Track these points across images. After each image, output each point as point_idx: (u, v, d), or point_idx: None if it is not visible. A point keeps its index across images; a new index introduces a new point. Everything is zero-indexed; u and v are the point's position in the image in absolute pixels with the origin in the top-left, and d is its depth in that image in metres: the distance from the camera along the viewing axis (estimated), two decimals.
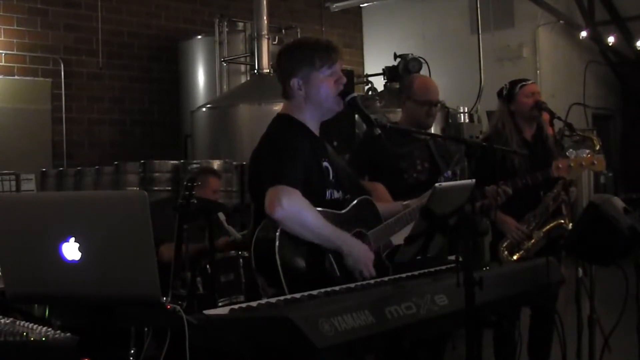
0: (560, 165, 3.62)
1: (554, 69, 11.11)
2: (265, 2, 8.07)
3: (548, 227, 3.92)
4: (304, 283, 2.40)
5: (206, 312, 2.00)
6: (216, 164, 6.14)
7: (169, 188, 6.25)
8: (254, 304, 2.09)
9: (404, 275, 2.55)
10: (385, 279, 2.49)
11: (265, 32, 8.08)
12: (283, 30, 9.69)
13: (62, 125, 8.79)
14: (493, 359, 3.97)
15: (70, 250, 2.01)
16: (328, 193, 2.68)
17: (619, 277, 3.08)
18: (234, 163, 6.41)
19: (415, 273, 2.59)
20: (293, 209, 2.43)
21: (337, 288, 2.30)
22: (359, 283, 2.42)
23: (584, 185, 9.82)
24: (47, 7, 8.78)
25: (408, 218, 2.79)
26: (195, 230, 4.34)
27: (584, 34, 11.13)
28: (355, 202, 2.74)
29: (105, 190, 6.02)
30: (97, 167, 7.04)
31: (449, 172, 3.70)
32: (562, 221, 3.92)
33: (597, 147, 3.85)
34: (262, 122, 2.86)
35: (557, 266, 2.91)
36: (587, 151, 3.86)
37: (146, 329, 3.44)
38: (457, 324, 2.32)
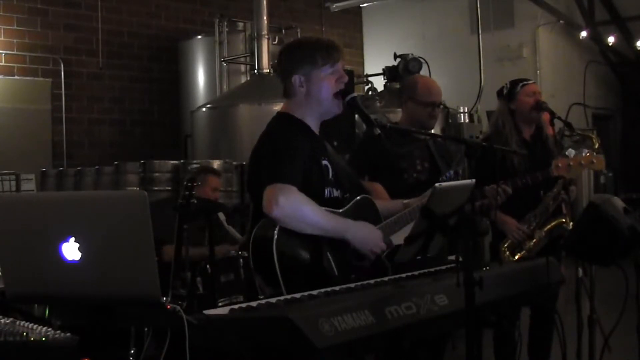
0: (559, 165, 3.62)
1: (554, 69, 11.11)
2: (265, 2, 8.07)
3: (549, 226, 3.92)
4: (302, 282, 2.40)
5: (206, 312, 2.00)
6: (216, 164, 6.13)
7: (169, 188, 6.25)
8: (254, 304, 2.09)
9: (404, 275, 2.55)
10: (385, 279, 2.49)
11: (265, 32, 8.08)
12: (283, 30, 9.69)
13: (62, 125, 8.79)
14: (493, 359, 3.97)
15: (70, 250, 2.01)
16: (327, 191, 2.68)
17: (619, 277, 3.08)
18: (234, 163, 6.41)
19: (415, 273, 2.58)
20: (291, 205, 2.43)
21: (337, 288, 2.30)
22: (358, 283, 2.42)
23: (584, 185, 9.82)
24: (47, 7, 8.78)
25: (408, 218, 2.79)
26: (195, 230, 4.35)
27: (584, 34, 11.13)
28: (354, 200, 2.75)
29: (105, 190, 6.02)
30: (97, 167, 7.04)
31: (452, 172, 3.70)
32: (563, 220, 3.92)
33: (597, 147, 3.86)
34: (262, 122, 2.85)
35: (557, 266, 2.91)
36: (586, 150, 3.87)
37: (146, 329, 3.44)
38: (457, 324, 2.32)
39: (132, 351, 3.51)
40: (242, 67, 9.03)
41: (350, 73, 6.42)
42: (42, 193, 6.06)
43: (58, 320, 2.86)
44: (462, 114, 8.34)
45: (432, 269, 2.62)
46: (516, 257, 3.90)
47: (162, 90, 9.74)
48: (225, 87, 8.91)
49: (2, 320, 2.01)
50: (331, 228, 2.52)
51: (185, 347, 1.92)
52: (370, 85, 8.71)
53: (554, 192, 3.92)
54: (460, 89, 9.13)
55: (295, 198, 2.46)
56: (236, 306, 2.06)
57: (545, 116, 4.03)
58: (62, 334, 1.92)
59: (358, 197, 2.77)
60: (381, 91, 8.21)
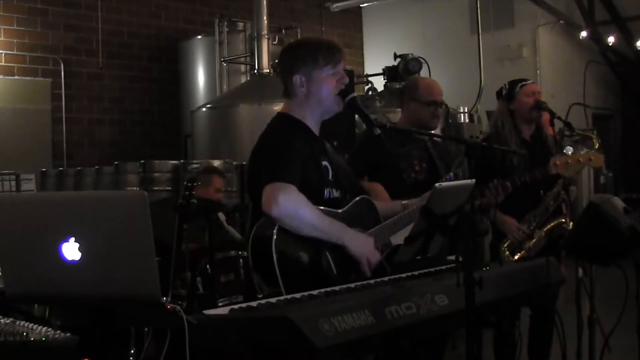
0: (557, 162, 3.62)
1: (554, 69, 11.11)
2: (265, 2, 8.07)
3: (549, 226, 3.92)
4: (301, 281, 2.40)
5: (206, 312, 2.00)
6: (216, 164, 6.13)
7: (169, 188, 6.25)
8: (254, 304, 2.09)
9: (404, 275, 2.55)
10: (385, 279, 2.49)
11: (265, 32, 8.08)
12: (283, 30, 9.69)
13: (62, 125, 8.79)
14: (493, 359, 3.97)
15: (70, 250, 2.01)
16: (327, 192, 2.68)
17: (619, 277, 3.08)
18: (234, 163, 6.41)
19: (415, 273, 2.58)
20: (290, 205, 2.44)
21: (337, 288, 2.30)
22: (358, 283, 2.42)
23: (584, 185, 9.83)
24: (47, 7, 8.78)
25: (407, 219, 2.79)
26: (195, 230, 4.34)
27: (584, 34, 11.12)
28: (354, 201, 2.75)
29: (105, 190, 6.02)
30: (97, 167, 7.03)
31: (451, 174, 3.70)
32: (563, 220, 3.92)
33: (597, 146, 3.85)
34: (262, 122, 2.85)
35: (557, 266, 2.91)
36: (585, 149, 3.87)
37: (146, 329, 3.44)
38: (457, 324, 2.32)
39: (132, 351, 3.50)
40: (242, 67, 9.03)
41: (350, 73, 6.43)
42: (42, 193, 6.06)
43: (58, 320, 2.87)
44: (462, 114, 8.34)
45: (432, 269, 2.62)
46: (516, 257, 3.90)
47: (162, 90, 9.74)
48: (225, 87, 8.91)
49: (2, 320, 2.01)
50: (329, 232, 2.52)
51: (185, 347, 1.92)
52: (370, 85, 8.71)
53: (554, 192, 3.92)
54: (460, 89, 9.13)
55: (295, 198, 2.46)
56: (236, 306, 2.07)
57: (545, 116, 4.03)
58: (62, 334, 1.92)
59: (357, 198, 2.77)
60: (381, 91, 8.22)
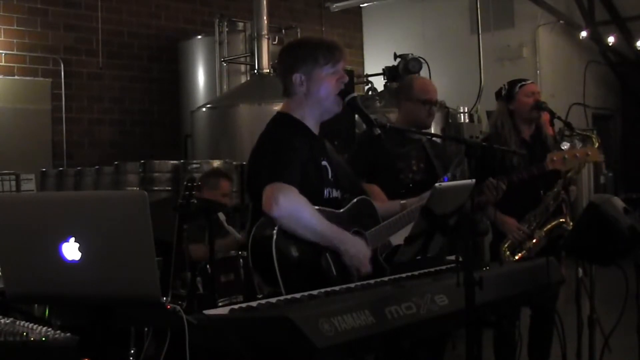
0: (554, 158, 3.63)
1: (554, 69, 11.11)
2: (265, 2, 8.07)
3: (549, 226, 3.92)
4: (301, 281, 2.40)
5: (206, 312, 2.00)
6: (216, 164, 6.13)
7: (169, 188, 6.24)
8: (254, 304, 2.09)
9: (404, 275, 2.55)
10: (385, 279, 2.49)
11: (265, 32, 8.08)
12: (283, 30, 9.69)
13: (62, 125, 8.79)
14: (493, 359, 3.97)
15: (70, 250, 2.01)
16: (326, 192, 2.68)
17: (619, 277, 3.08)
18: (234, 163, 6.41)
19: (415, 273, 2.58)
20: (290, 206, 2.43)
21: (337, 288, 2.30)
22: (358, 283, 2.42)
23: (584, 185, 9.83)
24: (47, 7, 8.78)
25: (407, 219, 2.79)
26: (195, 230, 4.34)
27: (584, 34, 11.12)
28: (353, 201, 2.75)
29: (105, 190, 6.02)
30: (97, 167, 7.03)
31: (449, 175, 3.70)
32: (563, 220, 3.92)
33: (597, 146, 3.85)
34: (262, 122, 2.85)
35: (557, 266, 2.91)
36: (581, 144, 3.88)
37: (146, 329, 3.44)
38: (457, 324, 2.33)
39: (132, 351, 3.50)
40: (242, 67, 9.03)
41: (350, 73, 6.43)
42: (42, 193, 6.06)
43: (58, 320, 2.86)
44: (462, 114, 8.34)
45: (432, 269, 2.62)
46: (516, 257, 3.90)
47: (162, 90, 9.74)
48: (225, 87, 8.91)
49: (2, 320, 2.01)
50: (327, 235, 2.51)
51: (185, 347, 1.92)
52: (370, 85, 8.71)
53: (554, 192, 3.92)
54: (460, 89, 9.14)
55: (295, 199, 2.46)
56: (236, 306, 2.07)
57: (545, 116, 4.03)
58: (62, 334, 1.92)
59: (357, 198, 2.77)
60: (381, 91, 8.22)
